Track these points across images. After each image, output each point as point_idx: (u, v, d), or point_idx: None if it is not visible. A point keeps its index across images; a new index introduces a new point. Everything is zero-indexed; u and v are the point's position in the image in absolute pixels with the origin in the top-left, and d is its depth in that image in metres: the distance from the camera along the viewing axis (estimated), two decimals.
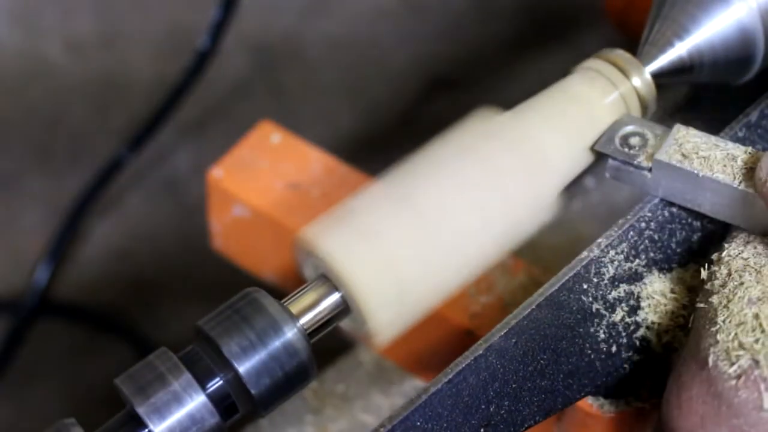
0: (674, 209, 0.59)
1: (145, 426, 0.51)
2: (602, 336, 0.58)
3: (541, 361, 0.56)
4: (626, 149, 0.59)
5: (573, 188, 0.95)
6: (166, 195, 1.43)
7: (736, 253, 0.55)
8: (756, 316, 0.50)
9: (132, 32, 1.56)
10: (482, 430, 0.56)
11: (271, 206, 0.83)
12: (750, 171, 0.55)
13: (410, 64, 1.52)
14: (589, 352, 0.58)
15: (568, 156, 0.61)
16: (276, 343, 0.54)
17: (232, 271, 0.95)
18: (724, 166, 0.56)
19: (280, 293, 0.58)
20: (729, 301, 0.52)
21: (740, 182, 0.55)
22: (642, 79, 0.63)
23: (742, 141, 0.61)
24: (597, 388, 0.59)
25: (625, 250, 0.59)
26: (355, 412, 0.79)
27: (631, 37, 0.87)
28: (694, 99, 0.94)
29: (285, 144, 0.87)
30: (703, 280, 0.56)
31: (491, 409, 0.56)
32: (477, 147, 0.59)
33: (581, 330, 0.58)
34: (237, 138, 0.87)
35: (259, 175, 0.85)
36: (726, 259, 0.55)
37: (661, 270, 0.59)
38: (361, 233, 0.57)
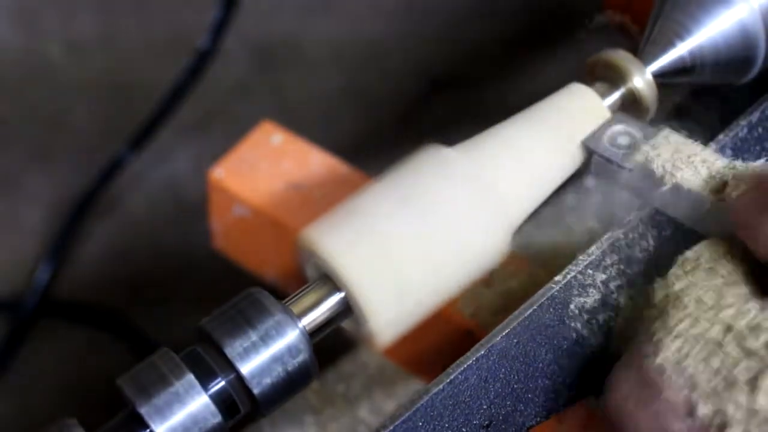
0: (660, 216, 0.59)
1: (147, 426, 0.51)
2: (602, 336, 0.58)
3: (543, 361, 0.56)
4: (613, 148, 0.60)
5: (573, 187, 0.95)
6: (166, 195, 1.43)
7: (689, 267, 0.54)
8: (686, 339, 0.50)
9: (132, 32, 1.56)
10: (483, 430, 0.56)
11: (271, 206, 0.83)
12: (725, 184, 0.55)
13: (410, 64, 1.52)
14: (591, 351, 0.58)
15: (530, 185, 0.60)
16: (278, 344, 0.54)
17: (233, 271, 0.95)
18: (701, 174, 0.57)
19: (281, 293, 0.58)
20: (667, 314, 0.52)
21: (712, 193, 0.55)
22: (643, 78, 0.63)
23: (743, 141, 0.61)
24: (600, 388, 0.59)
25: (608, 259, 0.58)
26: (357, 412, 0.79)
27: (631, 36, 0.87)
28: (695, 99, 0.94)
29: (285, 144, 0.87)
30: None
31: (493, 410, 0.56)
32: (425, 188, 0.58)
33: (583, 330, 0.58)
34: (237, 138, 0.87)
35: (259, 175, 0.85)
36: (677, 273, 0.54)
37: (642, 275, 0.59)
38: (362, 234, 0.57)
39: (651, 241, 0.59)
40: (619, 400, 0.50)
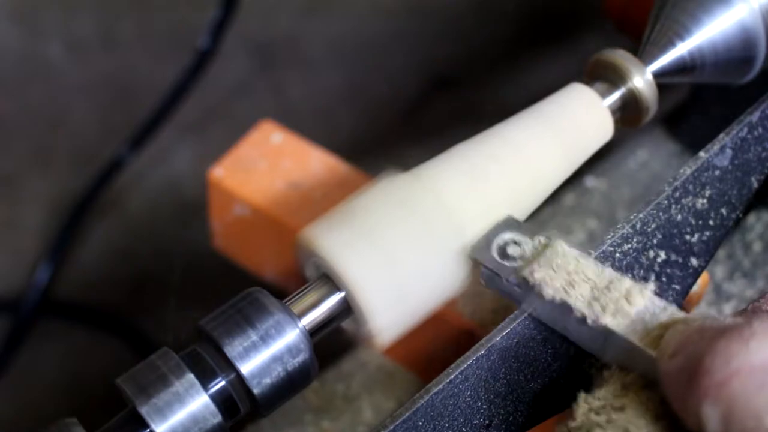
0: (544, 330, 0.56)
1: (147, 426, 0.51)
2: None
3: (543, 361, 0.56)
4: (501, 259, 0.56)
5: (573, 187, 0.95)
6: (166, 195, 1.43)
7: (594, 403, 0.52)
8: None
9: (132, 32, 1.56)
10: (483, 430, 0.56)
11: (271, 205, 0.83)
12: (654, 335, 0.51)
13: (410, 64, 1.52)
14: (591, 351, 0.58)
15: (487, 209, 0.59)
16: (278, 343, 0.54)
17: (233, 270, 0.95)
18: (593, 295, 0.53)
19: (281, 293, 0.58)
20: None
21: (611, 318, 0.52)
22: (643, 78, 0.63)
23: (743, 141, 0.61)
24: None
25: None
26: (357, 411, 0.79)
27: (632, 36, 0.87)
28: (695, 99, 0.94)
29: (285, 143, 0.87)
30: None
31: (493, 410, 0.56)
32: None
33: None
34: (237, 138, 0.87)
35: (259, 175, 0.85)
36: (584, 405, 0.52)
37: None
38: (362, 233, 0.57)
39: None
40: None
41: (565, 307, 0.53)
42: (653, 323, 0.51)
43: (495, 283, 0.56)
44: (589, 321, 0.52)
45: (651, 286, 0.53)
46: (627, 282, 0.53)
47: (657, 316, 0.51)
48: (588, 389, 0.55)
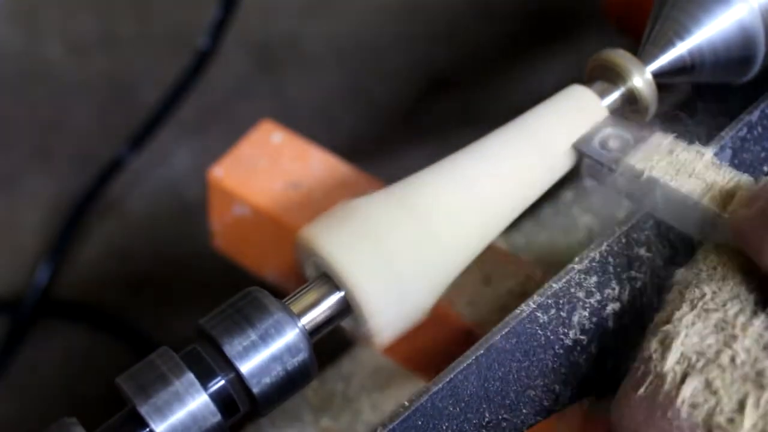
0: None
1: (147, 425, 0.51)
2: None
3: (543, 361, 0.56)
4: (604, 151, 0.59)
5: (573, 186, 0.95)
6: (166, 195, 1.43)
7: (691, 276, 0.53)
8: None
9: (132, 32, 1.56)
10: (483, 429, 0.56)
11: (271, 205, 0.83)
12: (722, 194, 0.54)
13: (410, 64, 1.52)
14: (590, 351, 0.58)
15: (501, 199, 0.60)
16: (277, 343, 0.54)
17: (233, 270, 0.95)
18: (697, 182, 0.56)
19: (281, 292, 0.58)
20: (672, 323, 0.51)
21: (712, 204, 0.54)
22: (643, 78, 0.63)
23: (742, 140, 0.61)
24: (600, 388, 0.59)
25: (604, 262, 0.58)
26: (356, 411, 0.79)
27: (631, 36, 0.87)
28: (695, 99, 0.94)
29: (285, 143, 0.87)
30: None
31: (492, 409, 0.56)
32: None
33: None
34: (237, 138, 0.87)
35: (259, 175, 0.85)
36: (680, 278, 0.54)
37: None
38: (362, 232, 0.57)
39: (644, 246, 0.59)
40: (630, 421, 0.50)
41: (675, 193, 0.56)
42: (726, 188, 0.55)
43: (596, 174, 0.59)
44: (698, 199, 0.55)
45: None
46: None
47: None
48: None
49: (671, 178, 0.56)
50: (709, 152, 0.58)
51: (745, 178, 0.55)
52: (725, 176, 0.56)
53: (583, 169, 0.61)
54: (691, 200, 0.55)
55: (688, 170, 0.56)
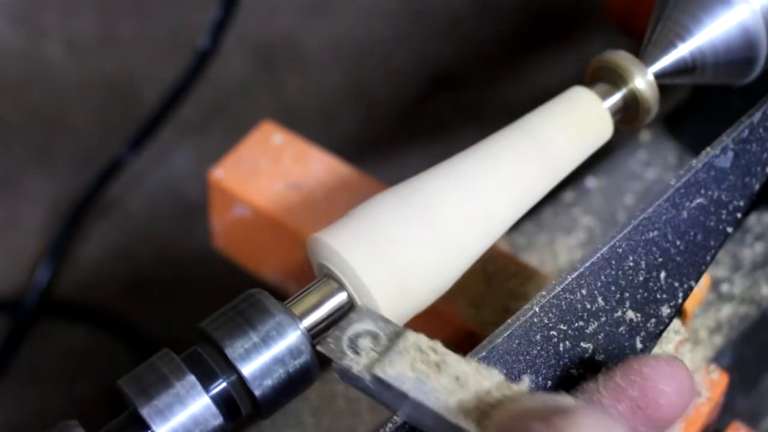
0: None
1: (148, 427, 0.51)
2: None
3: (543, 361, 0.56)
4: (351, 352, 0.52)
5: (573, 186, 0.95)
6: (166, 195, 1.43)
7: None
8: None
9: (132, 32, 1.56)
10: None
11: (272, 206, 0.83)
12: (481, 407, 0.48)
13: (410, 64, 1.52)
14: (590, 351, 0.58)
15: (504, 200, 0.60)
16: (279, 345, 0.54)
17: (233, 271, 0.95)
18: (451, 388, 0.49)
19: (281, 293, 0.58)
20: None
21: (460, 417, 0.48)
22: (645, 79, 0.63)
23: (744, 142, 0.61)
24: None
25: None
26: (358, 412, 0.79)
27: (632, 37, 0.87)
28: (697, 100, 0.94)
29: (286, 144, 0.87)
30: None
31: None
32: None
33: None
34: (237, 138, 0.87)
35: (259, 175, 0.85)
36: None
37: None
38: (365, 234, 0.57)
39: None
40: None
41: (424, 406, 0.49)
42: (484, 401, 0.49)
43: (350, 379, 0.53)
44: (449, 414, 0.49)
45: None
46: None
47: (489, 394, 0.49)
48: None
49: (423, 390, 0.49)
50: (473, 360, 0.52)
51: (512, 390, 0.49)
52: (488, 383, 0.49)
53: (335, 372, 0.54)
54: (444, 419, 0.49)
55: (446, 378, 0.50)
